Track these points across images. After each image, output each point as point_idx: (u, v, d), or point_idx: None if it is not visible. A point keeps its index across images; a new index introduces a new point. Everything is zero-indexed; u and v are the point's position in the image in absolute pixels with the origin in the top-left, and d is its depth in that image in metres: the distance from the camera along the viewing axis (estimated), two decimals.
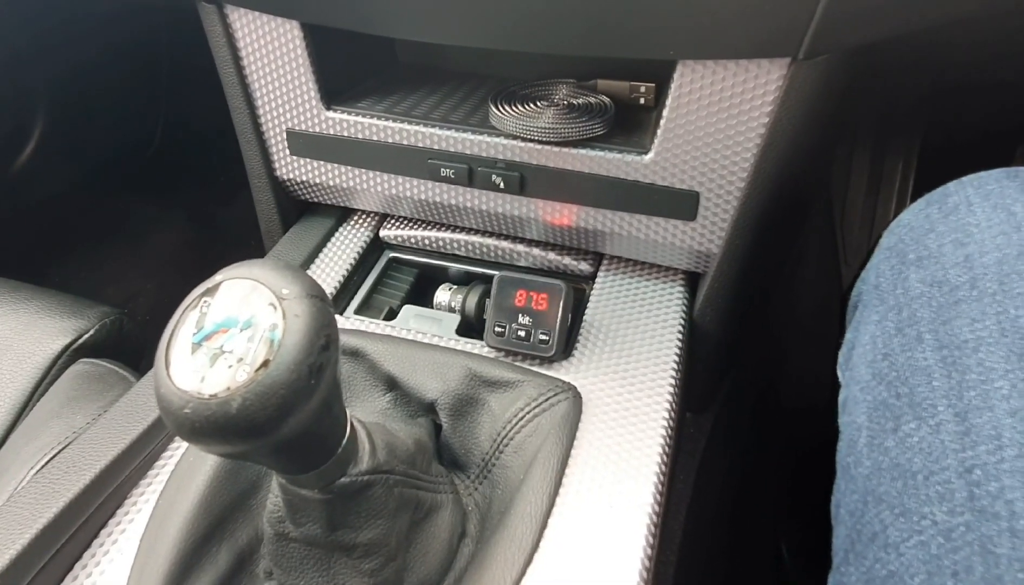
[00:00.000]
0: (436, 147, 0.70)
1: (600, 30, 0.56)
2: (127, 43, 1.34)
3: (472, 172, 0.69)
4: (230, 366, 0.33)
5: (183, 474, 0.55)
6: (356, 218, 0.83)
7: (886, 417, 0.40)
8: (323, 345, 0.35)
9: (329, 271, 0.77)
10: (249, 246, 1.14)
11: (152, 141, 1.51)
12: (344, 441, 0.43)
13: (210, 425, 0.33)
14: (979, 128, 1.04)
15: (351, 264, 0.78)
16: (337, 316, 0.73)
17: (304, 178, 0.78)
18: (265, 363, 0.33)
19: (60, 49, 1.23)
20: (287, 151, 0.76)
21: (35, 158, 1.27)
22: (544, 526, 0.53)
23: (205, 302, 0.36)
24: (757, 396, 1.04)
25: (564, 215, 0.70)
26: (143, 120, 1.49)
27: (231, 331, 0.34)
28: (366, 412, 0.63)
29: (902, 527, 0.36)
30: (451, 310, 0.74)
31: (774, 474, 1.00)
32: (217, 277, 0.37)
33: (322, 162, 0.76)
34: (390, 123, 0.70)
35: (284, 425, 0.34)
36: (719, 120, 0.60)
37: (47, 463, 0.58)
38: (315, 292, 0.37)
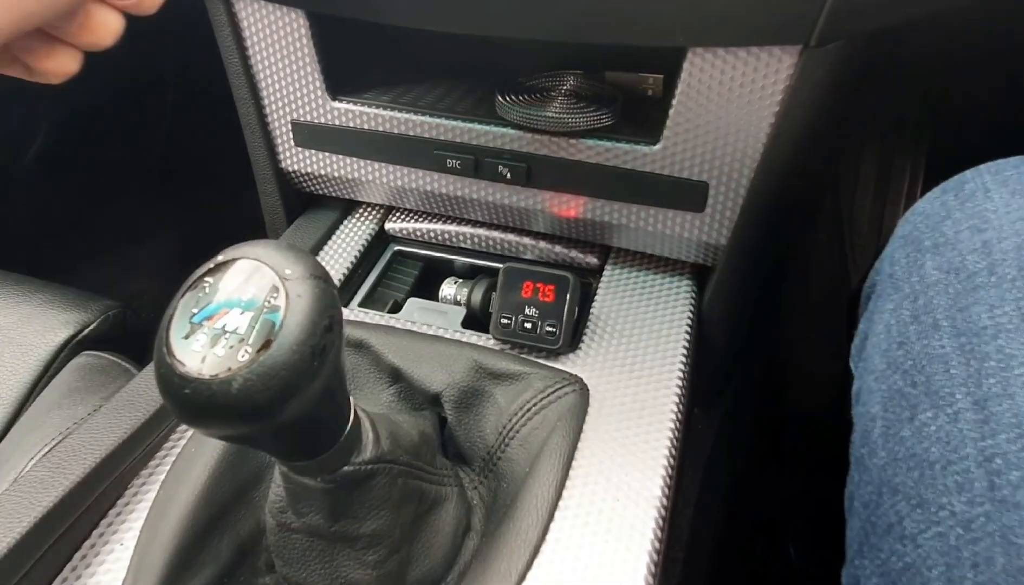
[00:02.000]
0: (442, 138, 0.69)
1: (608, 17, 0.55)
2: (133, 40, 1.34)
3: (478, 163, 0.69)
4: (231, 347, 0.33)
5: (184, 464, 0.54)
6: (361, 211, 0.83)
7: (902, 406, 0.39)
8: (326, 326, 0.35)
9: (334, 264, 0.76)
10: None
11: (158, 137, 1.50)
12: (347, 428, 0.42)
13: (211, 406, 0.32)
14: (989, 127, 1.02)
15: (356, 257, 0.77)
16: (342, 308, 0.72)
17: (309, 170, 0.77)
18: (267, 344, 0.33)
19: None
20: (292, 142, 0.76)
21: (41, 157, 1.27)
22: (550, 519, 0.52)
23: (207, 282, 0.35)
24: (766, 393, 1.03)
25: (571, 207, 0.69)
26: (149, 118, 1.49)
27: (233, 311, 0.34)
28: (370, 404, 0.62)
29: (919, 518, 0.35)
30: (457, 304, 0.73)
31: (783, 471, 0.99)
32: (220, 257, 0.36)
33: (327, 153, 0.75)
34: (396, 113, 0.69)
35: (286, 407, 0.33)
36: (729, 109, 0.59)
37: (48, 452, 0.58)
38: (319, 273, 0.36)
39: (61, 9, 0.40)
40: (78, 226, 1.40)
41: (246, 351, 0.32)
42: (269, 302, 0.34)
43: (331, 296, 0.36)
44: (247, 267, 0.35)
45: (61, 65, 0.45)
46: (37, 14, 0.39)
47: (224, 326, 0.33)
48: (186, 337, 0.33)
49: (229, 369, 0.32)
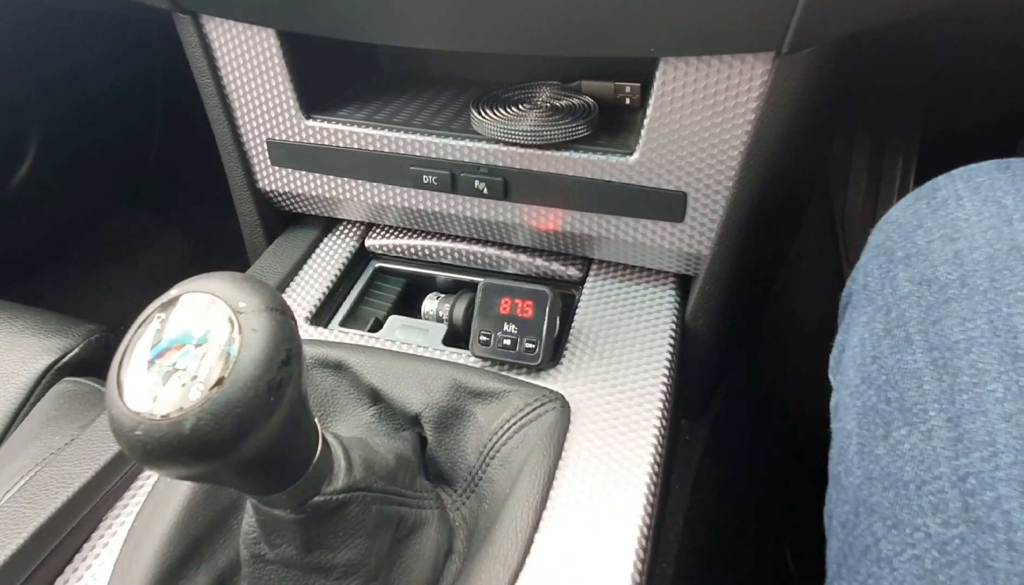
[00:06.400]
0: (418, 154, 0.68)
1: (580, 29, 0.55)
2: (121, 58, 1.33)
3: (455, 178, 0.68)
4: (183, 384, 0.32)
5: (160, 494, 0.54)
6: (341, 228, 0.82)
7: (876, 423, 0.38)
8: (283, 360, 0.34)
9: (314, 283, 0.75)
10: (245, 261, 1.14)
11: (148, 157, 1.50)
12: (315, 458, 0.41)
13: (162, 447, 0.31)
14: (979, 121, 1.01)
15: (336, 275, 0.76)
16: (322, 329, 0.71)
17: (286, 189, 0.77)
18: (220, 381, 0.32)
19: (54, 66, 1.22)
20: (268, 162, 0.75)
21: (31, 176, 1.26)
22: (530, 542, 0.51)
23: (160, 317, 0.34)
24: (756, 401, 1.02)
25: (550, 220, 0.69)
26: (139, 136, 1.48)
27: (186, 347, 0.33)
28: (350, 427, 0.61)
29: (895, 540, 0.34)
30: (439, 320, 0.72)
31: (776, 480, 0.98)
32: (173, 291, 0.35)
33: (304, 172, 0.74)
34: (370, 130, 0.69)
35: (242, 445, 0.33)
36: (704, 118, 0.58)
37: (24, 486, 0.57)
38: (275, 305, 0.35)
39: None
40: (70, 246, 1.40)
41: (198, 389, 0.32)
42: (223, 337, 0.33)
43: (288, 328, 0.35)
44: (200, 301, 0.34)
45: None
46: None
47: (175, 363, 0.32)
48: (138, 375, 0.33)
49: (181, 408, 0.31)
